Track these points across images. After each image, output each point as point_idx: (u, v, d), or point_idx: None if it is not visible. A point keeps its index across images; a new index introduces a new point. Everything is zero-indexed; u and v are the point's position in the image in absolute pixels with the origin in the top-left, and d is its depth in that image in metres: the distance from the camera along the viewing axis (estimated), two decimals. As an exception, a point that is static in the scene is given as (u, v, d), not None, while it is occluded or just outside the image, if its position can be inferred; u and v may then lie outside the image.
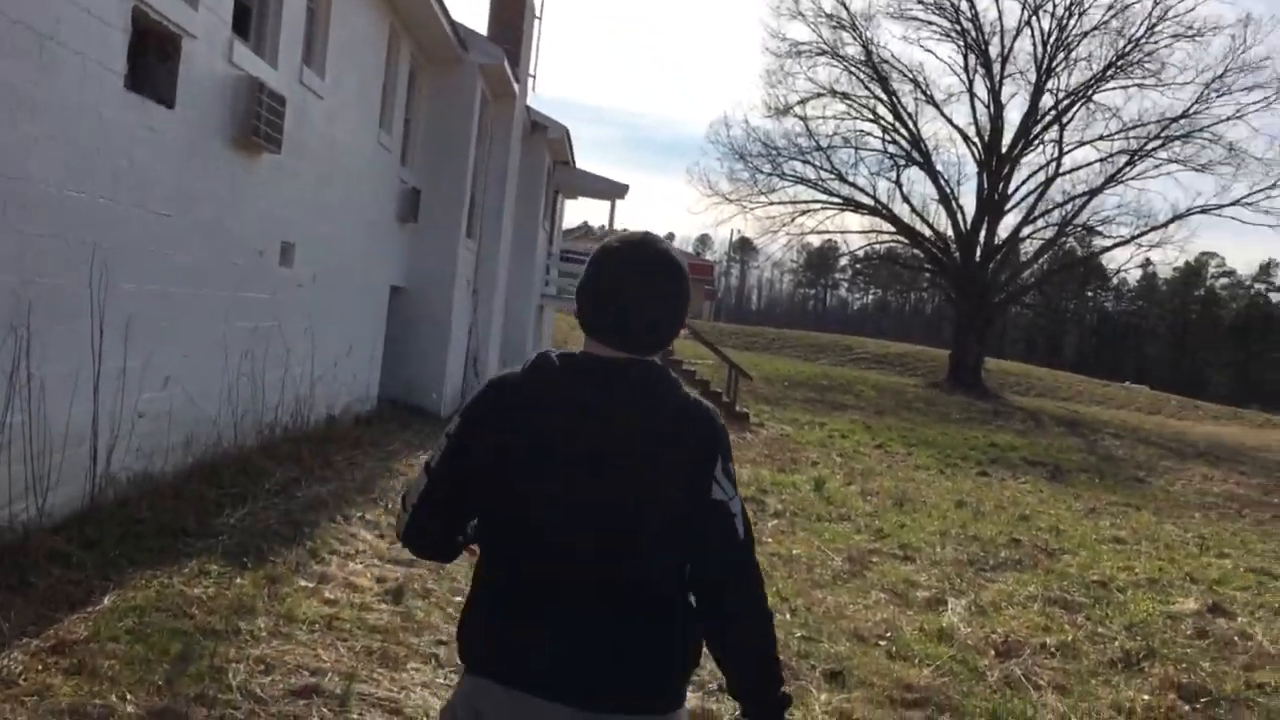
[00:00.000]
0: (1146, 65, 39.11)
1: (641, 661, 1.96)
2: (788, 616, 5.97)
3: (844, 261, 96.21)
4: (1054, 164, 40.14)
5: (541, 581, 1.96)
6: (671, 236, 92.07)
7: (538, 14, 17.44)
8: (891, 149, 41.59)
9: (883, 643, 5.76)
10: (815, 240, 54.07)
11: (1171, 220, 39.20)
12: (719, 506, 1.98)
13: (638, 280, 2.02)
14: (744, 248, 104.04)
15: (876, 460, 17.39)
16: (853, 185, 41.35)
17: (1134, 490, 17.70)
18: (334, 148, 9.78)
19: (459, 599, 5.12)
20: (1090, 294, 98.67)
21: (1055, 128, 40.30)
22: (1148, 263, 46.71)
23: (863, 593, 6.98)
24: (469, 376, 16.07)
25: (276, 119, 7.60)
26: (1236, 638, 6.92)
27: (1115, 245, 41.39)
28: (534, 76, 17.53)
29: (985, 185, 40.94)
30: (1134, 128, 39.58)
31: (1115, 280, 78.72)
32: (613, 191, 22.83)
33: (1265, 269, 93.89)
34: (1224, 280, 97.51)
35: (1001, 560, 8.86)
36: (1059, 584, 8.04)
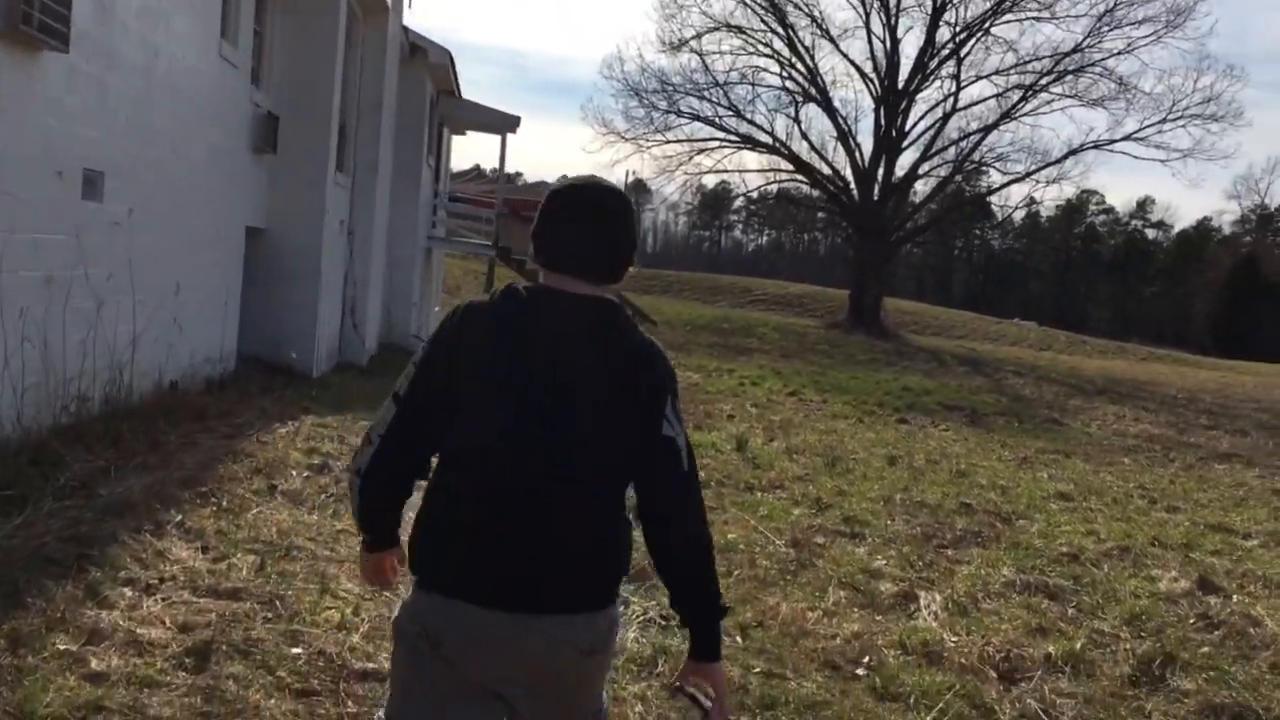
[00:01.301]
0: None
1: (583, 573, 2.12)
2: (739, 640, 4.68)
3: (739, 203, 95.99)
4: (951, 99, 39.56)
5: (492, 500, 2.07)
6: (564, 179, 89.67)
7: (412, -81, 15.52)
8: (789, 85, 40.50)
9: (862, 672, 4.51)
10: (710, 181, 52.81)
11: (1067, 155, 39.05)
12: (668, 442, 2.14)
13: (588, 215, 2.19)
14: (639, 190, 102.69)
15: (793, 410, 16.29)
16: (750, 122, 40.22)
17: (1055, 434, 17.01)
18: (157, 57, 7.98)
19: (289, 663, 3.69)
20: (978, 232, 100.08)
21: (952, 62, 39.64)
22: (1032, 201, 46.50)
23: (819, 591, 5.74)
24: (346, 327, 14.37)
25: (60, 7, 5.85)
26: (1245, 625, 5.91)
27: (1011, 182, 41.19)
28: (411, -7, 15.66)
29: (883, 122, 40.15)
30: (1028, 62, 39.18)
31: (1001, 218, 79.36)
32: (504, 124, 21.06)
33: (1142, 206, 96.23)
34: (1103, 217, 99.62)
35: (959, 533, 7.74)
36: (1031, 562, 6.95)
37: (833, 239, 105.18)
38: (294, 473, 6.70)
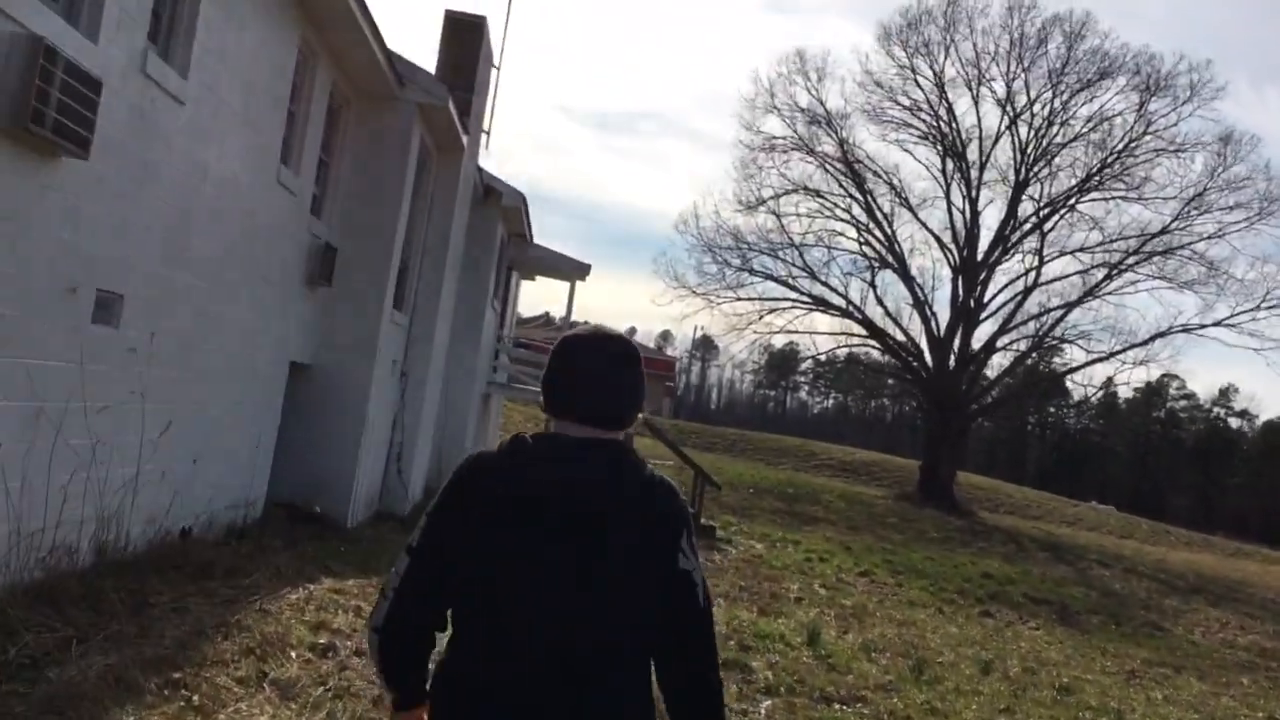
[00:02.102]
0: (1126, 179, 38.08)
1: None
2: None
3: (805, 365, 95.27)
4: (1034, 273, 38.63)
5: (513, 653, 2.01)
6: (633, 331, 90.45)
7: (495, 63, 15.34)
8: (865, 250, 40.02)
9: None
10: (778, 341, 52.03)
11: (1154, 338, 37.58)
12: (684, 576, 2.11)
13: (602, 364, 2.19)
14: (705, 346, 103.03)
15: (865, 593, 14.92)
16: (824, 284, 39.62)
17: (1158, 641, 15.34)
18: (203, 175, 7.38)
19: None
20: (1052, 410, 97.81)
21: (1035, 235, 38.93)
22: (1109, 382, 45.02)
23: None
24: (390, 475, 13.50)
25: (81, 108, 5.21)
26: None
27: (1094, 361, 39.63)
28: (488, 133, 15.39)
29: (960, 292, 39.33)
30: (1114, 240, 38.34)
31: (1079, 397, 77.43)
32: (574, 271, 20.57)
33: (1224, 393, 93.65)
34: (1183, 403, 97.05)
35: (1084, 781, 6.40)
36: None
37: (901, 407, 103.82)
38: (293, 655, 5.67)
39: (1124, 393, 69.66)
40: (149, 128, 6.40)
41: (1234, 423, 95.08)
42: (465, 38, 13.86)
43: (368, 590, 7.59)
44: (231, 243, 8.19)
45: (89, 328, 6.04)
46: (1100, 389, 49.84)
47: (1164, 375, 66.43)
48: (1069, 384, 50.32)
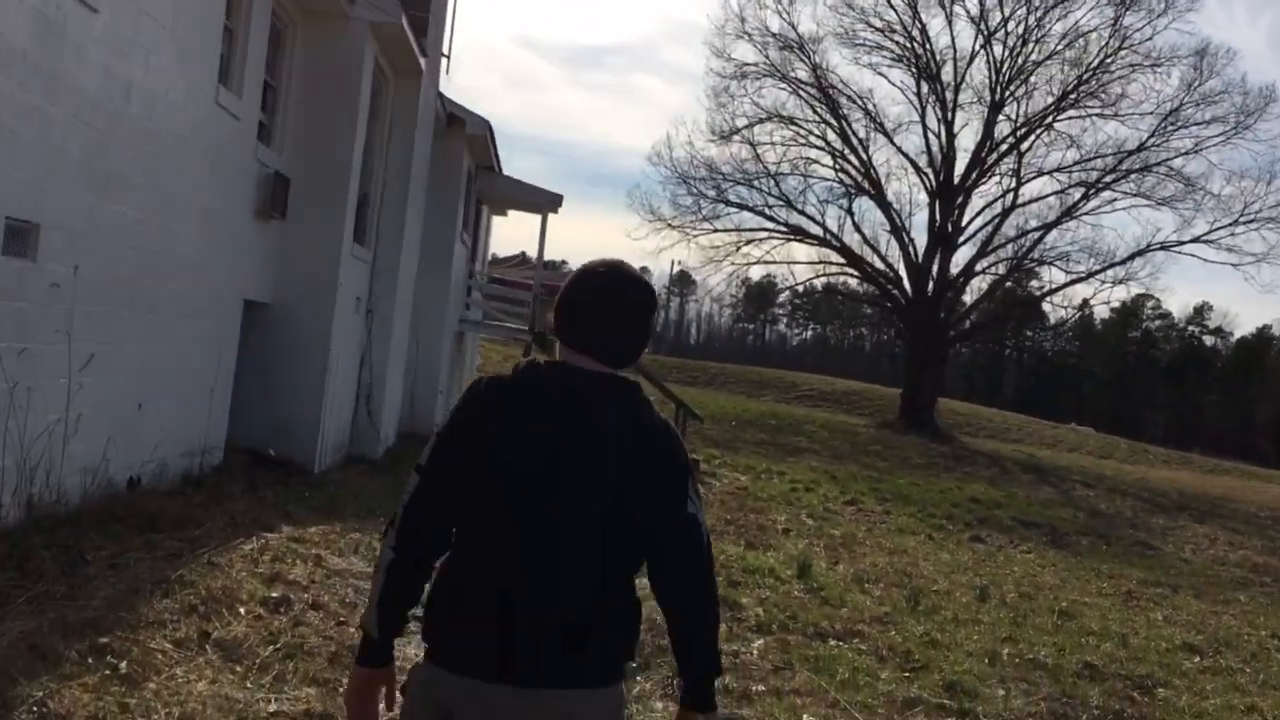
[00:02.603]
0: (1102, 95, 37.39)
1: (592, 649, 2.08)
2: None
3: (784, 296, 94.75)
4: (1011, 194, 38.08)
5: (508, 574, 2.05)
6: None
7: (453, -17, 14.50)
8: (841, 177, 39.31)
9: None
10: (755, 274, 51.37)
11: (1133, 256, 37.21)
12: (690, 520, 2.16)
13: (619, 299, 2.19)
14: (683, 281, 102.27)
15: (853, 522, 14.59)
16: (801, 213, 38.97)
17: (1151, 561, 15.13)
18: (125, 93, 6.71)
19: None
20: (1029, 333, 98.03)
21: (1013, 156, 38.32)
22: (1085, 303, 44.80)
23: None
24: (360, 416, 12.97)
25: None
26: None
27: (1074, 281, 39.30)
28: (448, 57, 14.61)
29: (937, 217, 38.78)
30: (1091, 159, 37.76)
31: (1055, 320, 77.36)
32: (545, 203, 19.87)
33: (1199, 312, 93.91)
34: (1158, 322, 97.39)
35: (1096, 713, 6.03)
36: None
37: (879, 335, 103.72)
38: (242, 611, 5.17)
39: (1100, 314, 69.64)
40: (56, 36, 5.73)
41: (1209, 340, 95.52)
42: (418, -48, 13.04)
43: (330, 538, 7.11)
44: (167, 169, 7.54)
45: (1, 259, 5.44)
46: (1078, 310, 49.49)
47: (1140, 295, 66.32)
48: (1046, 307, 50.16)
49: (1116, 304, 60.74)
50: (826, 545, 11.81)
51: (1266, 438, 76.34)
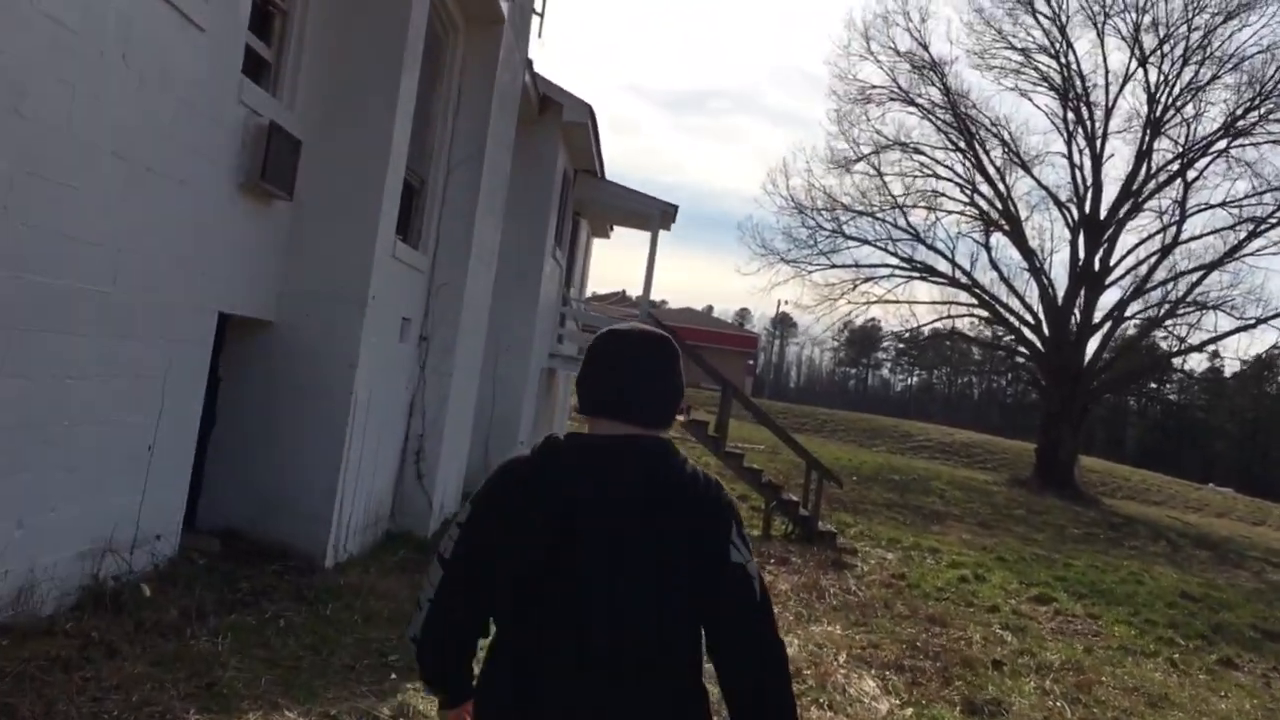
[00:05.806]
0: (1274, 119, 32.78)
1: None
2: None
3: (887, 341, 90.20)
4: (1175, 227, 33.56)
5: (558, 657, 1.96)
6: (710, 309, 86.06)
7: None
8: (968, 211, 35.38)
9: None
10: (859, 318, 47.40)
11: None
12: (737, 569, 1.99)
13: (632, 358, 2.10)
14: (784, 323, 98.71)
15: (1060, 636, 10.78)
16: (930, 248, 35.12)
17: None
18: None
19: None
20: (1153, 385, 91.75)
21: (1174, 186, 33.89)
22: (1215, 355, 40.00)
23: None
24: (407, 481, 9.69)
25: None
26: None
27: (1239, 329, 34.54)
28: (540, 15, 11.43)
29: (1080, 254, 34.55)
30: (1263, 192, 33.17)
31: (1200, 370, 71.39)
32: (656, 214, 16.54)
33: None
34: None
35: None
36: None
37: (989, 383, 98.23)
38: None
39: (1230, 367, 63.49)
40: None
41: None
42: None
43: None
44: (79, 99, 4.39)
45: None
46: (1243, 361, 44.54)
47: (1273, 348, 60.58)
48: (1197, 357, 45.01)
49: (1249, 358, 55.78)
50: (1056, 684, 8.12)
51: None
